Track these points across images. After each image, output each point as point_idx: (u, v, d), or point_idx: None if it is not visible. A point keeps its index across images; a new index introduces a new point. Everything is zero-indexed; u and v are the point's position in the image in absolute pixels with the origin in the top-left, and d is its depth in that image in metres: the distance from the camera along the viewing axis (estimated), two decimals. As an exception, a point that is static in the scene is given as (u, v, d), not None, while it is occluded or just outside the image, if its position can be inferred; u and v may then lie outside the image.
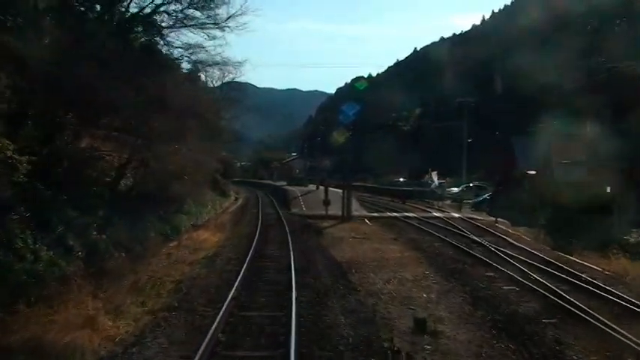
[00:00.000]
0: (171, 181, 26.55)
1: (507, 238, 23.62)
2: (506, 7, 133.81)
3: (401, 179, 78.66)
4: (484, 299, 12.90)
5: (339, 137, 45.33)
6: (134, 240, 20.32)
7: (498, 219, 31.72)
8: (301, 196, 42.94)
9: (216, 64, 23.28)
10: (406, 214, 34.91)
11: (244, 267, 15.36)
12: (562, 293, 12.94)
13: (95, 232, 18.21)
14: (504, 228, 28.49)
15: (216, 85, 78.59)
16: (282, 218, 30.55)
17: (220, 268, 15.84)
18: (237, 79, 76.36)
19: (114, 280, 13.67)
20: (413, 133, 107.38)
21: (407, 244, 22.37)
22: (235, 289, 12.40)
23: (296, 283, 13.26)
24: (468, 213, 37.47)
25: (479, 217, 33.68)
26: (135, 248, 19.30)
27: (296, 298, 11.58)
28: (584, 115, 36.40)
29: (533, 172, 34.95)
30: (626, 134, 31.44)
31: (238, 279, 13.63)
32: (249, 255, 17.54)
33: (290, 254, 17.75)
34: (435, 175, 48.24)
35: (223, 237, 23.18)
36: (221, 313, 10.28)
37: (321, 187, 49.28)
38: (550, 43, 70.24)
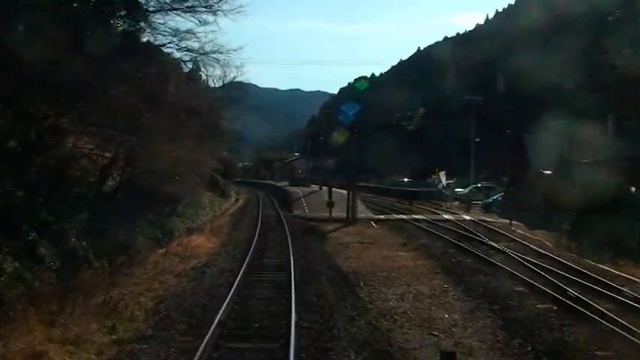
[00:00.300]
0: (163, 182, 24.57)
1: (528, 244, 21.51)
2: (510, 6, 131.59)
3: (405, 179, 76.82)
4: (518, 322, 10.82)
5: (339, 137, 43.72)
6: (119, 247, 18.32)
7: (513, 221, 29.66)
8: (304, 197, 40.90)
9: (210, 52, 21.03)
10: (414, 216, 32.81)
11: (238, 280, 13.33)
12: (610, 314, 10.87)
13: (74, 239, 16.25)
14: (521, 232, 26.38)
15: (217, 84, 76.16)
16: (284, 221, 28.50)
17: (210, 282, 13.77)
18: (238, 79, 74.27)
19: (85, 296, 11.65)
20: (417, 132, 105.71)
21: (418, 251, 20.31)
22: (224, 311, 10.35)
23: (296, 301, 11.21)
24: (478, 215, 35.38)
25: (491, 220, 31.59)
26: (119, 256, 17.31)
27: (296, 324, 9.53)
28: (593, 115, 34.45)
29: (549, 172, 32.84)
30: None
31: (229, 296, 11.59)
32: (245, 264, 15.51)
33: (290, 263, 15.72)
34: (443, 176, 46.16)
35: (219, 242, 21.14)
36: (203, 345, 8.23)
37: (325, 188, 47.24)
38: (552, 42, 68.56)
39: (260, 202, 42.97)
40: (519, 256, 17.96)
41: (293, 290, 12.10)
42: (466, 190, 47.77)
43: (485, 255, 18.56)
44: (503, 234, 24.90)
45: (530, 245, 21.15)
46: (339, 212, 31.05)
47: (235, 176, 69.29)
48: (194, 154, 42.32)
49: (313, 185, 54.11)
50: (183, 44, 19.13)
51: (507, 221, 30.44)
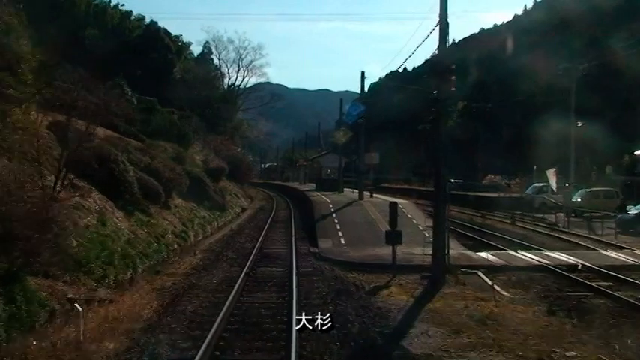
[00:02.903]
0: None
1: None
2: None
3: (452, 180, 60.86)
4: None
5: (341, 137, 35.65)
6: None
7: None
8: (336, 211, 23.98)
9: None
10: (551, 254, 16.06)
11: None
12: None
13: None
14: None
15: (231, 68, 60.43)
16: (294, 279, 12.04)
17: None
18: (265, 78, 59.20)
19: None
20: (456, 128, 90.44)
21: None
22: None
23: None
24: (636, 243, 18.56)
25: None
26: None
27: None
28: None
29: None
30: None
31: None
32: None
33: None
34: (552, 176, 28.91)
35: None
36: None
37: (368, 196, 30.66)
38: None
39: (270, 219, 26.80)
40: None
41: None
42: (578, 198, 30.54)
43: None
44: None
45: None
46: (404, 247, 14.69)
47: (249, 178, 52.98)
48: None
49: (348, 189, 37.53)
50: None
51: None
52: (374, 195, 33.03)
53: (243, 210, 34.82)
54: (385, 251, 14.43)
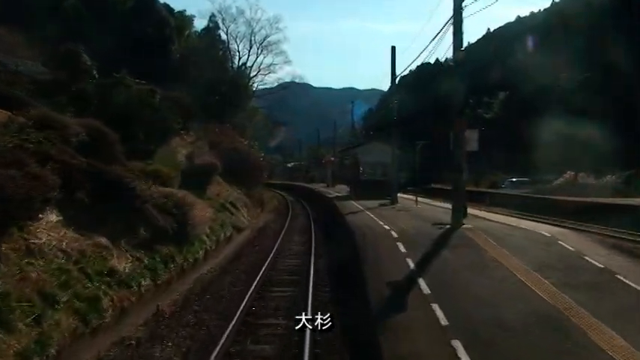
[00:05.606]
0: None
1: None
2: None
3: (513, 179, 47.41)
4: None
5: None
6: None
7: None
8: (419, 266, 8.45)
9: None
10: None
11: None
12: None
13: None
14: None
15: (240, 43, 46.80)
16: None
17: None
18: (273, 35, 46.84)
19: None
20: (497, 120, 77.08)
21: None
22: None
23: None
24: None
25: None
26: None
27: None
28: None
29: None
30: None
31: None
32: None
33: None
34: None
35: None
36: None
37: (483, 219, 15.13)
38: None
39: (265, 265, 12.63)
40: None
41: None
42: None
43: None
44: None
45: None
46: None
47: (260, 179, 38.69)
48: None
49: (405, 195, 22.61)
50: None
51: None
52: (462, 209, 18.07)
53: (239, 230, 20.69)
54: None
